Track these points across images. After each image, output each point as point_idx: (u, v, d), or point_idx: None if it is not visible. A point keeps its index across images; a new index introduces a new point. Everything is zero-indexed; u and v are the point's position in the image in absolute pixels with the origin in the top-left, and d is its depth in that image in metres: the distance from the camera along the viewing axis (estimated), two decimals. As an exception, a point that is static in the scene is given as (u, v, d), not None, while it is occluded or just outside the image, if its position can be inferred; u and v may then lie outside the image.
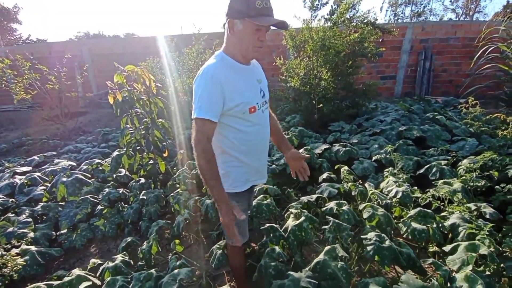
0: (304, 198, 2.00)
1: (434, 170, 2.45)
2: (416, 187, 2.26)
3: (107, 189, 2.62)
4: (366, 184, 2.11)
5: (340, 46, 4.02)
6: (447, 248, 1.57)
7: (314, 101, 3.96)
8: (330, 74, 3.96)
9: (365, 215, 1.67)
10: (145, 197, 2.41)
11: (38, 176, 2.72)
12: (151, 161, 2.76)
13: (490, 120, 3.47)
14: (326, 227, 1.59)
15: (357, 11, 4.01)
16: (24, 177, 2.77)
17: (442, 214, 1.83)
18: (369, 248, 1.40)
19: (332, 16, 3.87)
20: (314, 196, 2.03)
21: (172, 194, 2.37)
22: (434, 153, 2.86)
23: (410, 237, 1.69)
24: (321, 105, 3.84)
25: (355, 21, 4.20)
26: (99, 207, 2.41)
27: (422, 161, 2.74)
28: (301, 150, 3.04)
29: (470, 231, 1.61)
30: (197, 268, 1.85)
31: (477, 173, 2.07)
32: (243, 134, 1.16)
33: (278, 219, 2.28)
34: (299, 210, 1.70)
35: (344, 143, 3.21)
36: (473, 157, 2.60)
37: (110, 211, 2.32)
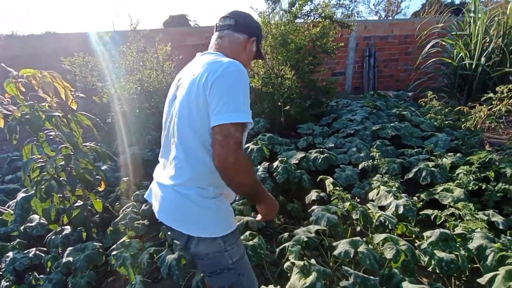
0: (301, 234, 1.54)
1: (424, 173, 2.25)
2: (416, 198, 2.02)
3: (11, 254, 1.76)
4: (369, 205, 1.75)
5: (301, 42, 3.70)
6: (483, 279, 1.28)
7: (279, 103, 3.56)
8: (293, 72, 3.61)
9: (388, 254, 1.29)
10: (71, 259, 1.64)
11: None
12: (79, 202, 1.97)
13: (447, 113, 3.55)
14: (345, 284, 1.15)
15: (314, 5, 3.74)
16: None
17: (458, 231, 1.58)
18: (417, 314, 1.00)
19: (292, 8, 3.51)
20: (312, 228, 1.59)
21: (114, 249, 1.66)
22: (413, 153, 2.72)
23: (437, 270, 1.37)
24: (287, 107, 3.46)
25: (313, 14, 3.93)
26: (3, 283, 1.56)
27: (405, 162, 2.55)
28: (276, 163, 2.59)
29: (500, 253, 1.36)
30: None
31: (474, 176, 1.90)
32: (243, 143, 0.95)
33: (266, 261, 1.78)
34: (305, 262, 1.23)
35: (320, 149, 2.87)
36: (452, 154, 2.50)
37: (13, 293, 1.50)
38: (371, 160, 2.39)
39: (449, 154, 2.52)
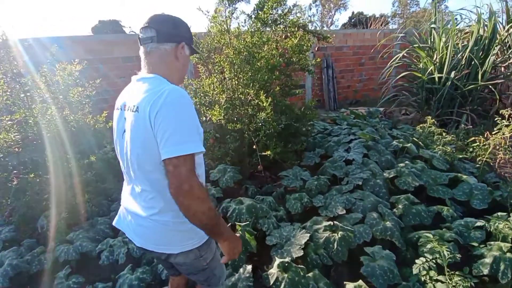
0: None
1: (502, 267, 1.46)
2: None
3: None
4: None
5: (273, 57, 2.75)
6: None
7: (254, 145, 2.50)
8: (269, 100, 2.60)
9: None
10: None
11: None
12: None
13: (450, 140, 2.98)
14: None
15: (288, 8, 2.82)
16: None
17: None
18: None
19: (260, 13, 2.52)
20: None
21: None
22: (453, 214, 1.96)
23: None
24: (268, 152, 2.42)
25: (282, 22, 3.02)
26: None
27: (457, 236, 1.76)
28: (274, 271, 1.51)
29: None
30: None
31: None
32: (200, 168, 0.98)
33: None
34: None
35: (330, 222, 1.91)
36: (506, 215, 1.82)
37: None
38: (430, 260, 1.50)
39: (499, 215, 1.82)
